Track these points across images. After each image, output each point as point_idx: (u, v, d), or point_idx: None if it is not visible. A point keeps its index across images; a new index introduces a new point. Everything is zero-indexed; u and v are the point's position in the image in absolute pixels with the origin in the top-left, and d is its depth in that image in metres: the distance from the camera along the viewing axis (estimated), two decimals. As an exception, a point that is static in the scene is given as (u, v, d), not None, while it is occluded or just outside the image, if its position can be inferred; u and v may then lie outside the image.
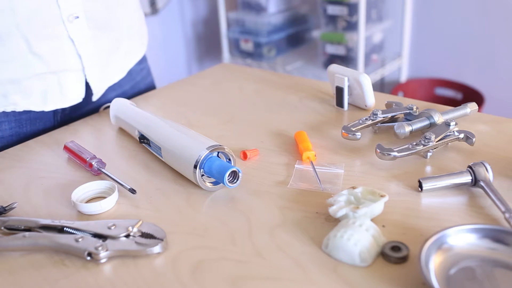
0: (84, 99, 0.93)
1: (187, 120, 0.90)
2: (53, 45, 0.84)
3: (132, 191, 0.68)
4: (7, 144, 0.88)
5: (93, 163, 0.73)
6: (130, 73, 1.04)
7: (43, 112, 0.91)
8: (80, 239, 0.58)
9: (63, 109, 0.95)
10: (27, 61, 0.82)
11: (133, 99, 1.00)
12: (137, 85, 1.08)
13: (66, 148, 0.79)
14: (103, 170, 0.73)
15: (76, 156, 0.76)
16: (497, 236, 0.53)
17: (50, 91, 0.87)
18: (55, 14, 0.82)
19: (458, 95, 2.36)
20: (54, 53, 0.84)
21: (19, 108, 0.86)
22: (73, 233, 0.60)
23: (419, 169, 0.71)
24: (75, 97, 0.91)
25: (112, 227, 0.59)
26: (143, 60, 1.10)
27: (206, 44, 2.83)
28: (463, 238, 0.53)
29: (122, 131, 0.87)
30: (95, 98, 0.94)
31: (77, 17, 0.85)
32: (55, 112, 0.94)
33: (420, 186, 0.65)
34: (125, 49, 0.99)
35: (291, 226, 0.61)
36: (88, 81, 0.90)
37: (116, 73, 0.99)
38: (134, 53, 1.03)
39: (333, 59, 2.22)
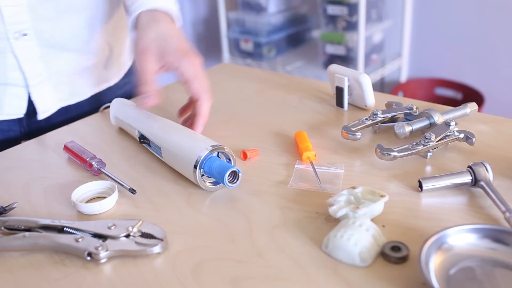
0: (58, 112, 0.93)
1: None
2: None
3: (132, 191, 0.68)
4: None
5: (93, 163, 0.73)
6: (110, 88, 1.04)
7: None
8: (80, 239, 0.58)
9: (28, 118, 0.93)
10: None
11: (133, 99, 1.00)
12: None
13: (66, 148, 0.79)
14: (103, 170, 0.73)
15: (76, 156, 0.76)
16: (497, 236, 0.53)
17: (6, 103, 0.87)
18: (0, 31, 0.82)
19: (458, 95, 2.36)
20: None
21: None
22: (73, 233, 0.60)
23: (419, 169, 0.71)
24: (13, 111, 0.90)
25: (112, 227, 0.59)
26: (129, 73, 1.09)
27: (206, 44, 2.83)
28: (463, 238, 0.53)
29: (122, 131, 0.87)
30: (40, 116, 0.92)
31: (25, 35, 0.84)
32: (19, 120, 0.93)
33: (420, 186, 0.65)
34: (91, 72, 0.97)
35: (291, 226, 0.61)
36: (32, 98, 0.89)
37: (76, 95, 0.97)
38: (104, 80, 1.02)
39: (333, 59, 2.22)
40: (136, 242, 0.58)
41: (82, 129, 0.90)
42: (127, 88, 1.09)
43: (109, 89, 1.04)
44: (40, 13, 0.84)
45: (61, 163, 0.78)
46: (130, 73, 1.09)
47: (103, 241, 0.58)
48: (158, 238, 0.58)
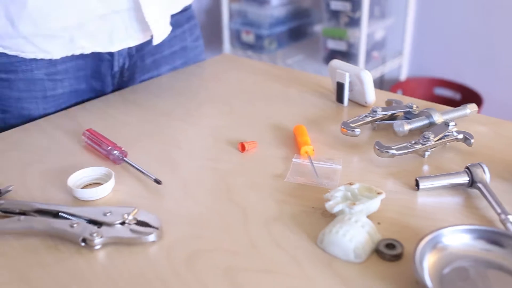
0: (139, 64, 0.97)
1: (186, 110, 0.90)
2: None
3: (158, 181, 0.67)
4: (67, 100, 0.92)
5: (115, 152, 0.73)
6: (184, 48, 1.07)
7: (99, 72, 0.94)
8: (75, 225, 0.58)
9: (121, 74, 0.97)
10: (89, 5, 0.83)
11: (131, 87, 0.99)
12: (188, 62, 1.10)
13: (90, 131, 0.78)
14: (125, 159, 0.72)
15: (97, 143, 0.75)
16: (492, 237, 0.53)
17: (115, 31, 0.89)
18: None
19: (456, 96, 2.36)
20: None
21: (87, 51, 0.88)
22: (68, 219, 0.60)
23: (416, 168, 0.71)
24: (140, 36, 0.92)
25: (108, 214, 0.59)
26: (199, 37, 1.12)
27: (207, 35, 2.81)
28: (458, 238, 0.53)
29: (116, 114, 0.87)
30: (156, 41, 0.94)
31: None
32: (112, 76, 0.96)
33: (417, 184, 0.65)
34: None
35: (287, 219, 0.61)
36: (146, 20, 0.90)
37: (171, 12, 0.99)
38: None
39: (334, 54, 2.22)
40: (131, 230, 0.58)
41: (80, 115, 0.89)
42: (197, 51, 1.12)
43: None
44: None
45: (59, 148, 0.78)
46: None
47: (98, 227, 0.58)
48: (153, 227, 0.58)
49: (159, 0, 0.91)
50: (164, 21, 0.95)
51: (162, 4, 0.93)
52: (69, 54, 0.87)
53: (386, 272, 0.52)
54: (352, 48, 2.16)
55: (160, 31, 0.94)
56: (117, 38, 0.90)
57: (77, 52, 0.88)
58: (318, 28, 2.29)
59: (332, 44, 2.22)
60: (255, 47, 2.40)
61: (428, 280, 0.48)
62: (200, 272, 0.53)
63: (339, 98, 0.90)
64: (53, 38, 0.84)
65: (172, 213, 0.62)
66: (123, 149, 0.74)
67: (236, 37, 2.47)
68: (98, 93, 0.97)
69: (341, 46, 2.19)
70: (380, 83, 2.51)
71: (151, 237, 0.57)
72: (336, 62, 0.91)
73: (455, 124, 0.75)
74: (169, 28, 0.96)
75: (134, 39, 0.92)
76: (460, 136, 0.74)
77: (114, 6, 0.86)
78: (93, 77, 0.94)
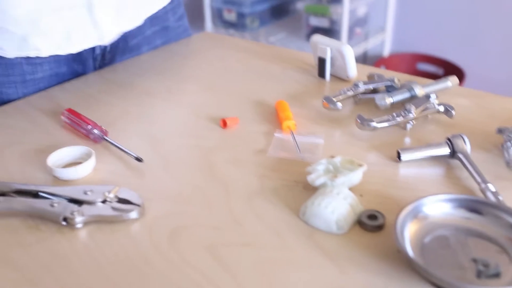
0: (121, 46, 0.95)
1: (167, 88, 0.89)
2: None
3: (139, 159, 0.67)
4: (48, 84, 0.90)
5: (95, 131, 0.72)
6: (166, 28, 1.05)
7: (81, 54, 0.92)
8: (55, 204, 0.57)
9: (103, 56, 0.95)
10: None
11: (111, 66, 0.98)
12: (169, 41, 1.08)
13: (69, 111, 0.76)
14: (106, 138, 0.72)
15: (77, 123, 0.74)
16: (471, 206, 0.53)
17: (74, 30, 0.85)
18: None
19: (439, 71, 2.37)
20: None
21: (43, 54, 0.85)
22: (48, 198, 0.59)
23: (398, 140, 0.71)
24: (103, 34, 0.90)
25: (89, 192, 0.59)
26: (182, 16, 1.10)
27: (189, 14, 2.77)
28: (439, 208, 0.53)
29: (96, 94, 0.86)
30: (104, 42, 0.91)
31: None
32: (94, 58, 0.94)
33: (399, 156, 0.65)
34: None
35: (269, 194, 0.61)
36: (96, 19, 0.86)
37: (133, 18, 0.96)
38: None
39: (316, 31, 2.21)
40: (112, 208, 0.58)
41: (59, 95, 0.88)
42: (179, 31, 1.10)
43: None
44: None
45: (37, 129, 0.77)
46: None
47: (79, 206, 0.57)
48: (135, 204, 0.58)
49: (113, 6, 0.88)
50: (121, 22, 0.92)
51: (118, 5, 0.90)
52: (24, 55, 0.84)
53: (368, 243, 0.53)
54: (334, 24, 2.15)
55: (112, 32, 0.91)
56: (76, 38, 0.86)
57: (32, 54, 0.84)
58: (300, 5, 2.27)
59: (314, 21, 2.21)
60: (237, 25, 2.38)
61: (409, 249, 0.49)
62: (183, 248, 0.53)
63: (321, 73, 0.90)
64: (5, 32, 0.80)
65: (154, 190, 0.62)
66: (103, 128, 0.73)
67: (218, 16, 2.45)
68: (79, 76, 0.95)
69: (323, 23, 2.18)
70: (364, 59, 2.51)
71: (133, 214, 0.57)
72: (317, 37, 0.91)
73: (437, 97, 0.75)
74: (124, 27, 0.93)
75: (94, 39, 0.89)
76: (441, 108, 0.74)
77: (68, 2, 0.83)
78: (74, 60, 0.92)
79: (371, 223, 0.54)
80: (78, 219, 0.56)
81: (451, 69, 2.31)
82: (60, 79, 0.92)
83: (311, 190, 0.60)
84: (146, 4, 0.97)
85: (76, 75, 0.94)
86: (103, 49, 0.95)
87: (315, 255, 0.51)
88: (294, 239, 0.54)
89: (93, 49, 0.93)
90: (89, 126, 0.73)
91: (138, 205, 0.58)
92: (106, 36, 0.90)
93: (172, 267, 0.51)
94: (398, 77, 0.84)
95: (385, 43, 2.47)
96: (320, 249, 0.52)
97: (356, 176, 0.60)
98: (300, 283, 0.48)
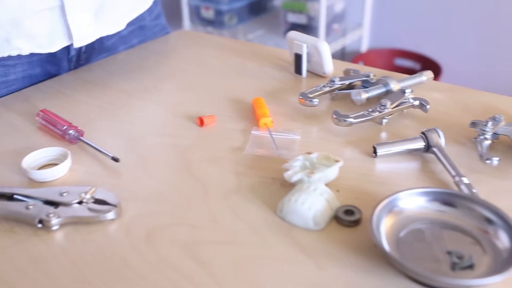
0: (97, 47, 0.94)
1: (143, 87, 0.88)
2: None
3: (115, 159, 0.66)
4: (21, 86, 0.89)
5: (71, 131, 0.71)
6: (142, 27, 1.04)
7: (55, 55, 0.90)
8: (30, 206, 0.57)
9: (78, 57, 0.94)
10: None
11: (88, 65, 0.97)
12: (146, 40, 1.07)
13: (44, 111, 0.75)
14: (82, 138, 0.71)
15: (52, 124, 0.73)
16: (445, 199, 0.54)
17: (54, 30, 0.84)
18: None
19: (416, 66, 2.40)
20: None
21: (24, 52, 0.84)
22: (23, 201, 0.58)
23: (374, 135, 0.72)
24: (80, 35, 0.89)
25: (65, 194, 0.58)
26: (159, 15, 1.09)
27: (166, 11, 2.76)
28: (414, 201, 0.54)
29: (71, 94, 0.85)
30: (77, 44, 0.89)
31: None
32: (69, 60, 0.93)
33: (375, 151, 0.66)
34: None
35: (246, 191, 0.61)
36: (68, 22, 0.85)
37: (114, 23, 0.94)
38: (139, 2, 1.00)
39: (294, 28, 2.21)
40: (89, 209, 0.57)
41: (34, 96, 0.87)
42: (156, 30, 1.09)
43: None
44: None
45: (11, 130, 0.76)
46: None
47: (55, 208, 0.57)
48: (112, 204, 0.57)
49: (89, 5, 0.87)
50: (100, 27, 0.91)
51: (96, 9, 0.89)
52: (5, 55, 0.83)
53: (345, 238, 0.53)
54: (312, 21, 2.16)
55: (84, 35, 0.89)
56: (56, 37, 0.85)
57: (14, 53, 0.83)
58: (278, 1, 2.28)
59: (292, 18, 2.21)
60: (215, 23, 2.37)
61: (385, 243, 0.49)
62: (161, 248, 0.53)
63: (298, 70, 0.90)
64: None
65: (131, 190, 0.62)
66: (79, 128, 0.72)
67: (195, 14, 2.44)
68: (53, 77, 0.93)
69: (301, 19, 2.19)
70: (342, 56, 2.53)
71: (110, 215, 0.57)
72: (293, 34, 0.91)
73: (412, 91, 0.76)
74: (100, 33, 0.92)
75: (70, 41, 0.88)
76: (416, 102, 0.75)
77: (48, 3, 0.82)
78: (48, 61, 0.91)
79: (347, 218, 0.54)
80: (54, 221, 0.55)
81: (428, 64, 2.33)
82: (34, 81, 0.91)
83: (288, 186, 0.60)
84: (127, 9, 0.96)
85: (50, 76, 0.93)
86: (78, 50, 0.94)
87: (293, 252, 0.52)
88: (271, 236, 0.54)
89: (67, 50, 0.92)
90: (65, 126, 0.72)
91: (114, 206, 0.57)
92: (83, 38, 0.89)
93: (150, 267, 0.50)
94: (374, 72, 0.85)
95: (363, 39, 2.49)
96: (297, 246, 0.52)
97: (332, 172, 0.60)
98: (278, 280, 0.49)
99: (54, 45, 0.86)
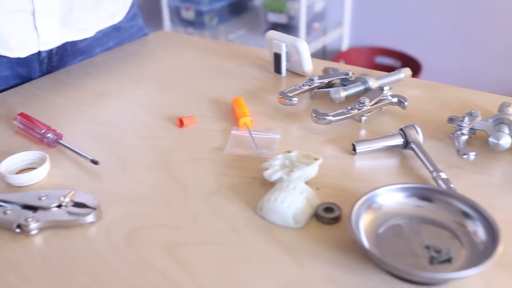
0: (69, 49, 0.93)
1: (122, 89, 0.88)
2: None
3: (94, 162, 0.66)
4: None
5: (49, 135, 0.70)
6: (118, 29, 1.03)
7: (25, 57, 0.89)
8: (8, 211, 0.56)
9: (49, 59, 0.93)
10: None
11: (65, 68, 0.96)
12: (123, 42, 1.06)
13: (22, 115, 0.74)
14: (60, 141, 0.70)
15: (30, 127, 0.73)
16: (423, 194, 0.55)
17: (26, 33, 0.84)
18: None
19: (397, 64, 2.41)
20: None
21: None
22: (1, 206, 0.58)
23: (353, 133, 0.72)
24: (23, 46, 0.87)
25: (43, 198, 0.58)
26: (135, 16, 1.08)
27: (146, 13, 2.75)
28: (392, 197, 0.55)
29: (49, 97, 0.84)
30: (42, 48, 0.89)
31: None
32: (40, 61, 0.92)
33: (354, 149, 0.66)
34: (99, 6, 0.95)
35: (226, 191, 0.61)
36: (36, 25, 0.85)
37: (83, 29, 0.94)
38: (112, 14, 1.00)
39: (275, 27, 2.21)
40: (68, 212, 0.57)
41: (10, 100, 0.86)
42: (132, 31, 1.08)
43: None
44: None
45: (-11, 134, 0.75)
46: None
47: (34, 212, 0.56)
48: (91, 207, 0.57)
49: (57, 11, 0.87)
50: (66, 32, 0.91)
51: (64, 16, 0.89)
52: None
53: (325, 235, 0.53)
54: (292, 20, 2.17)
55: (50, 39, 0.89)
56: (26, 42, 0.85)
57: None
58: (258, 1, 2.28)
59: (272, 17, 2.22)
60: (196, 23, 2.37)
61: (364, 240, 0.50)
62: (141, 250, 0.53)
63: (277, 69, 0.91)
64: None
65: (111, 193, 0.61)
66: (57, 131, 0.72)
67: (176, 15, 2.43)
68: (24, 80, 0.92)
69: (281, 19, 2.20)
70: (323, 54, 2.54)
71: (89, 218, 0.56)
72: (272, 33, 0.91)
73: (390, 88, 0.77)
74: (67, 38, 0.92)
75: (36, 44, 0.87)
76: (395, 99, 0.76)
77: (19, 5, 0.81)
78: (18, 63, 0.90)
79: (327, 215, 0.55)
80: (33, 226, 0.55)
81: (408, 61, 2.35)
82: (4, 83, 0.89)
83: (268, 185, 0.60)
84: (98, 18, 0.97)
85: (21, 78, 0.92)
86: (49, 52, 0.93)
87: (274, 250, 0.52)
88: (252, 235, 0.54)
89: (38, 52, 0.91)
90: (43, 130, 0.71)
91: (94, 208, 0.57)
92: (48, 42, 0.89)
93: (131, 269, 0.50)
94: (353, 70, 0.85)
95: (343, 37, 2.50)
96: (278, 244, 0.53)
97: (312, 170, 0.60)
98: (259, 279, 0.49)
99: (24, 50, 0.86)
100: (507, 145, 0.65)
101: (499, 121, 0.69)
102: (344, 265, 0.50)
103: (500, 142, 0.64)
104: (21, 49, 0.86)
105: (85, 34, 0.95)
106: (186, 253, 0.52)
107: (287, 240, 0.53)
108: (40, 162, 0.66)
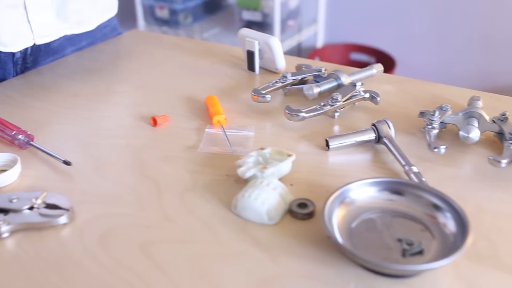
0: (43, 49, 0.92)
1: (95, 89, 0.87)
2: None
3: (67, 163, 0.65)
4: None
5: (20, 136, 0.69)
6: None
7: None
8: (-22, 215, 0.55)
9: (24, 60, 0.92)
10: None
11: (36, 69, 0.95)
12: (96, 41, 1.05)
13: None
14: (32, 143, 0.69)
15: (0, 129, 0.71)
16: (395, 188, 0.55)
17: (17, 28, 0.84)
18: None
19: (371, 60, 2.43)
20: None
21: None
22: (-29, 209, 0.57)
23: (327, 128, 0.73)
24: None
25: (14, 200, 0.57)
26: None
27: (120, 12, 2.72)
28: (364, 192, 0.55)
29: (20, 98, 0.83)
30: (38, 41, 0.89)
31: None
32: (14, 62, 0.90)
33: (327, 144, 0.67)
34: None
35: (200, 189, 0.61)
36: (29, 19, 0.85)
37: (78, 24, 0.94)
38: (110, 6, 1.00)
39: (249, 25, 2.22)
40: (40, 214, 0.56)
41: (-19, 101, 0.84)
42: (106, 31, 1.08)
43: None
44: None
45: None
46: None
47: (5, 215, 0.56)
48: (64, 208, 0.56)
49: (51, 3, 0.87)
50: (63, 26, 0.91)
51: (58, 9, 0.88)
52: None
53: (299, 231, 0.54)
54: (267, 18, 2.17)
55: (46, 32, 0.89)
56: (18, 36, 0.85)
57: None
58: (232, -1, 2.28)
59: (247, 15, 2.22)
60: (170, 22, 2.35)
61: (337, 234, 0.50)
62: (115, 250, 0.52)
63: (251, 67, 0.91)
64: None
65: (84, 193, 0.61)
66: (29, 133, 0.71)
67: (150, 13, 2.41)
68: None
69: (256, 16, 2.20)
70: (298, 52, 2.54)
71: (62, 219, 0.56)
72: (245, 31, 0.91)
73: (362, 84, 0.77)
74: (63, 31, 0.92)
75: (30, 39, 0.87)
76: (367, 95, 0.77)
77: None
78: None
79: (301, 211, 0.55)
80: (4, 229, 0.54)
81: (382, 57, 2.37)
82: None
83: (242, 183, 0.60)
84: (97, 10, 0.97)
85: None
86: (24, 52, 0.92)
87: (248, 247, 0.52)
88: (227, 233, 0.54)
89: (12, 53, 0.90)
90: (14, 131, 0.70)
91: (67, 210, 0.56)
92: (43, 36, 0.89)
93: (104, 270, 0.50)
94: (326, 67, 0.86)
95: (318, 34, 2.51)
96: (252, 241, 0.53)
97: (285, 166, 0.61)
98: (234, 276, 0.49)
99: (17, 45, 0.85)
100: (477, 138, 0.66)
101: (469, 115, 0.70)
102: (318, 259, 0.50)
103: (469, 135, 0.66)
104: (13, 43, 0.86)
105: (84, 27, 0.96)
106: (160, 252, 0.52)
107: (262, 236, 0.53)
108: (11, 164, 0.65)
